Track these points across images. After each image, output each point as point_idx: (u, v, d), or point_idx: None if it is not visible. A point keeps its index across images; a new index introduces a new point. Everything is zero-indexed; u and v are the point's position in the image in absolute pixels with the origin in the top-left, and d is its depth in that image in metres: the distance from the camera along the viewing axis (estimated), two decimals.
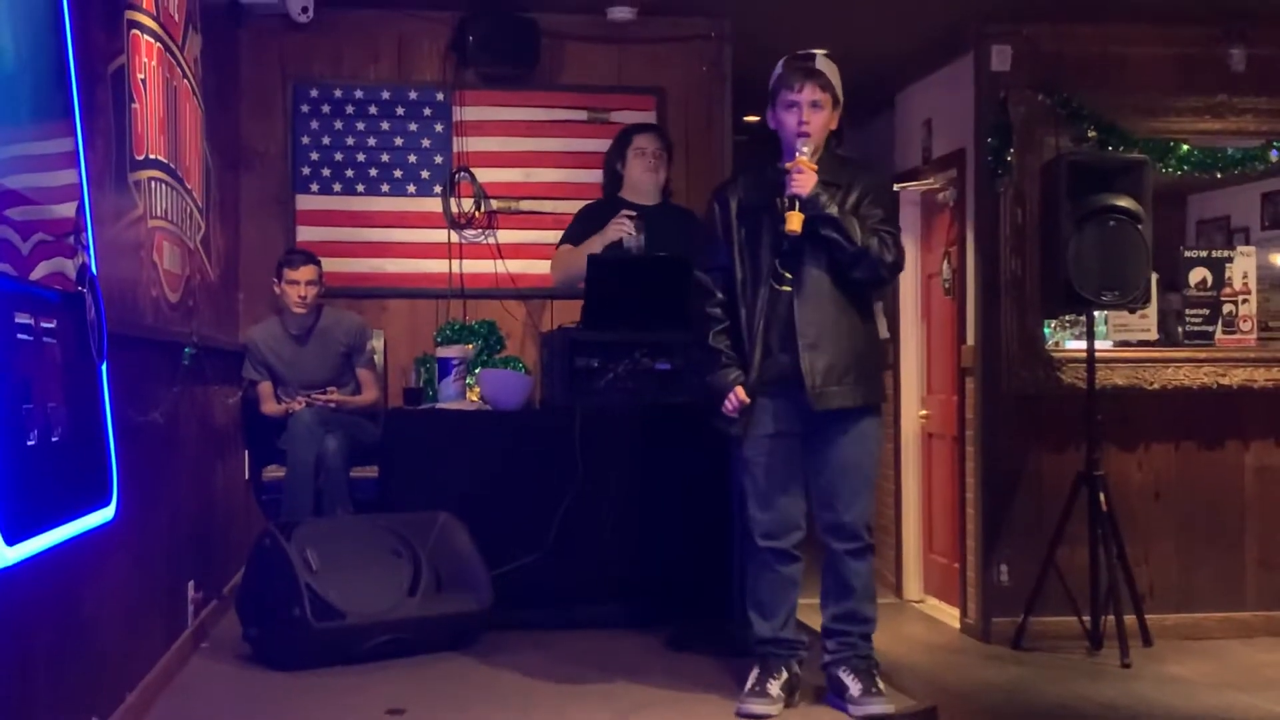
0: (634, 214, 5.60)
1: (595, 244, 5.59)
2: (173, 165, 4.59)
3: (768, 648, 4.30)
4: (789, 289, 4.19)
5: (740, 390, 4.20)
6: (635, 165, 5.72)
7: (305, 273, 5.98)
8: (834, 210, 4.16)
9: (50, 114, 3.01)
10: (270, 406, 6.01)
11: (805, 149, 4.19)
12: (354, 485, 5.76)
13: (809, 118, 4.23)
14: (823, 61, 4.30)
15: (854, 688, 4.22)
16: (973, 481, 6.66)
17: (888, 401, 7.88)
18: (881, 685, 4.27)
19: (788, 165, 4.20)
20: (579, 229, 5.79)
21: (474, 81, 6.67)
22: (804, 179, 4.14)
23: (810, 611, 4.61)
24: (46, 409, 2.80)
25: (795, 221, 4.12)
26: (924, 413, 7.69)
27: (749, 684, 4.24)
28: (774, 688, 4.22)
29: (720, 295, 4.31)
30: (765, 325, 4.19)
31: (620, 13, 6.55)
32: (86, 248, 3.21)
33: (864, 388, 4.26)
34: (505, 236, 6.66)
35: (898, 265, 4.30)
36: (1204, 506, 6.57)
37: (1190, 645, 6.26)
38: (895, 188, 7.77)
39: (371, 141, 6.62)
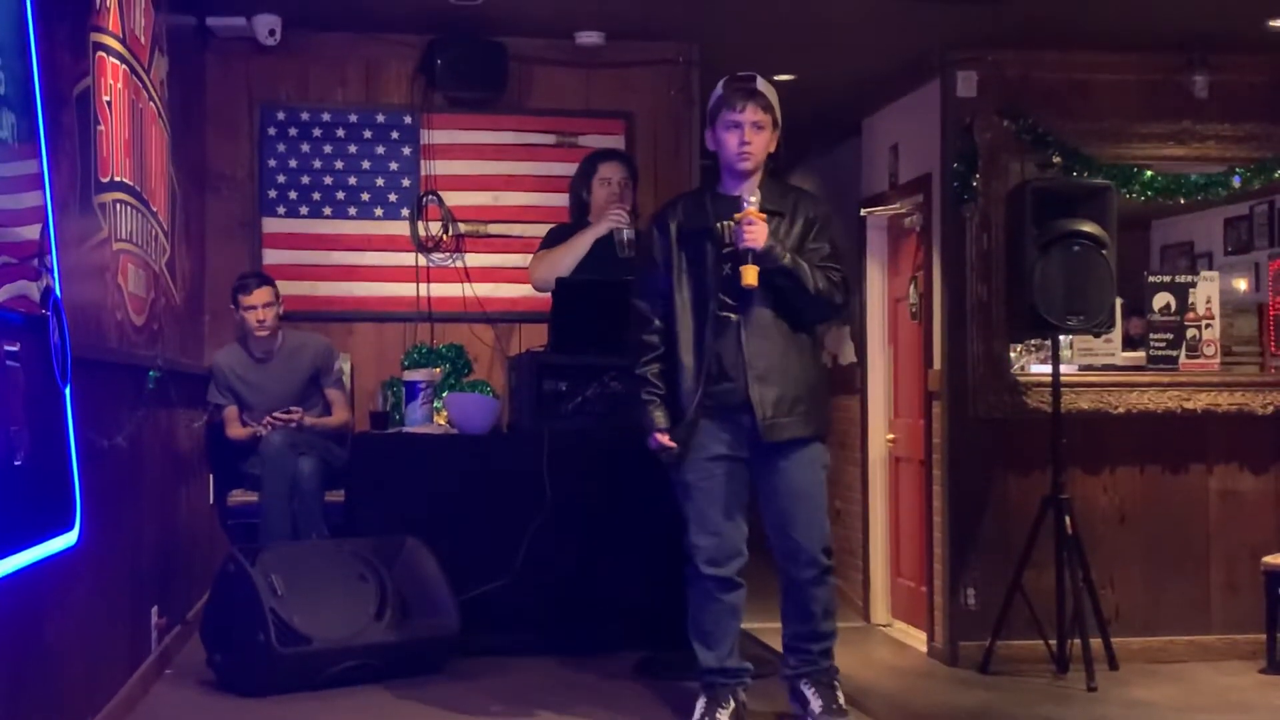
0: (624, 210, 5.54)
1: (587, 237, 5.51)
2: (138, 188, 4.57)
3: (714, 677, 4.28)
4: (735, 316, 4.19)
5: (661, 436, 4.24)
6: (600, 194, 5.62)
7: (260, 295, 5.94)
8: (787, 260, 4.16)
9: (14, 136, 2.99)
10: (236, 430, 5.97)
11: (752, 199, 4.17)
12: (327, 509, 5.73)
13: (751, 138, 4.23)
14: (763, 83, 4.31)
15: (815, 703, 4.24)
16: (940, 505, 6.68)
17: (855, 426, 7.98)
18: (843, 700, 4.28)
19: (736, 216, 4.16)
20: (551, 245, 5.72)
21: (442, 105, 6.67)
22: (756, 230, 4.12)
23: (771, 634, 4.61)
24: (9, 432, 2.78)
25: (751, 275, 4.11)
26: (891, 436, 7.70)
27: (698, 715, 4.24)
28: (723, 716, 4.22)
29: (657, 323, 4.30)
30: (710, 352, 4.19)
31: (589, 37, 6.57)
32: (51, 270, 3.19)
33: (814, 418, 4.27)
34: (473, 260, 6.65)
35: (845, 304, 4.37)
36: (1169, 530, 6.61)
37: (1156, 669, 6.28)
38: (862, 213, 7.82)
39: (339, 164, 6.60)
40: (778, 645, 4.78)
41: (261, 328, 5.93)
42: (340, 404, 6.13)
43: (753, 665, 4.43)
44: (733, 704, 4.26)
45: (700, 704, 4.27)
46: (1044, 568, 6.09)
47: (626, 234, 5.44)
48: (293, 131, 6.58)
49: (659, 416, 4.25)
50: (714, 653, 4.28)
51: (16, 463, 2.82)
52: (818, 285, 4.19)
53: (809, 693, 4.27)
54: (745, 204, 4.15)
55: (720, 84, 4.34)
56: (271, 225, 6.57)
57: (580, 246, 5.50)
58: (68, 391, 3.28)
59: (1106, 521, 6.55)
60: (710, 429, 4.23)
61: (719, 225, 4.22)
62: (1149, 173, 6.57)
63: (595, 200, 5.63)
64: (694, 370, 4.21)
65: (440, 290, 6.63)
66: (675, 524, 5.08)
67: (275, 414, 5.86)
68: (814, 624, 4.31)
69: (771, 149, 4.31)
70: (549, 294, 5.49)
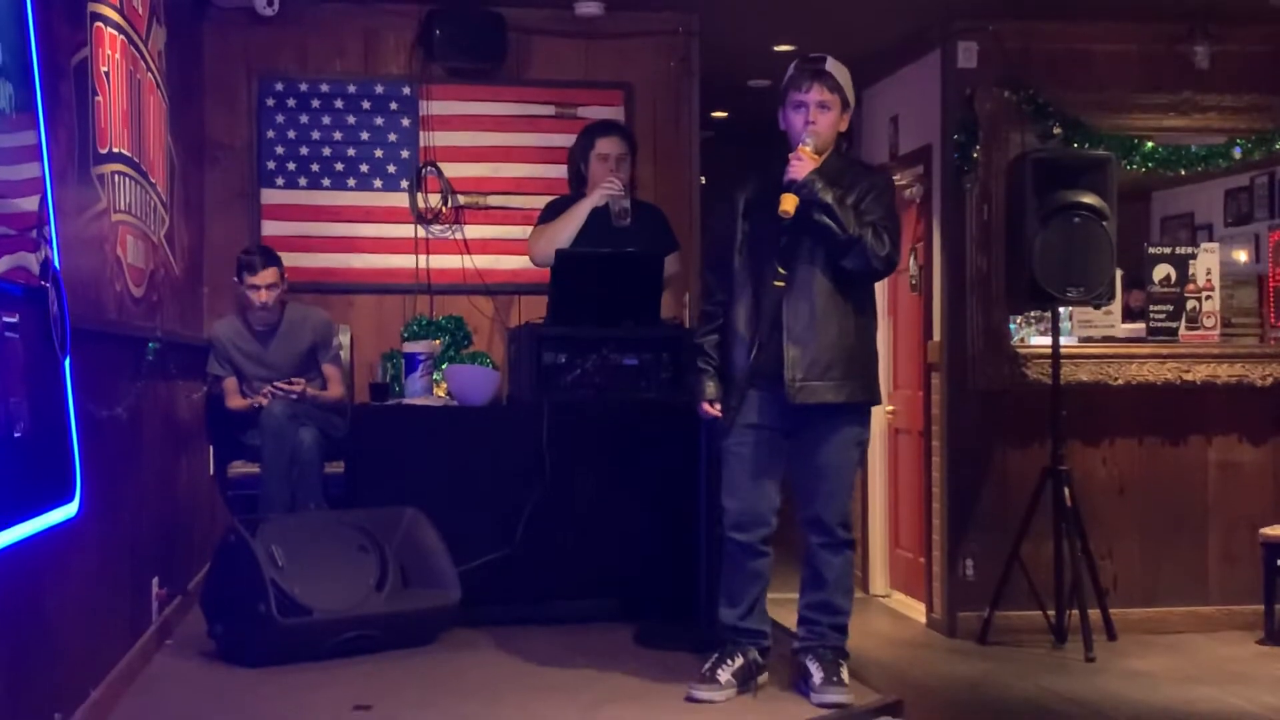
0: (618, 180, 5.54)
1: (583, 207, 5.49)
2: (137, 159, 4.56)
3: (729, 634, 4.38)
4: (782, 284, 4.24)
5: (707, 406, 4.38)
6: (597, 169, 5.58)
7: (266, 275, 5.89)
8: (828, 197, 4.21)
9: (12, 107, 2.98)
10: (236, 401, 5.97)
11: (809, 140, 4.28)
12: (326, 480, 5.74)
13: (815, 118, 4.31)
14: (833, 64, 4.37)
15: (816, 676, 4.29)
16: (939, 477, 6.69)
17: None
18: (845, 676, 4.33)
19: (790, 155, 4.27)
20: (550, 217, 5.72)
21: (441, 76, 6.65)
22: (801, 165, 4.23)
23: (776, 605, 4.64)
24: (8, 404, 2.78)
25: (789, 203, 4.19)
26: (890, 408, 7.71)
27: (705, 668, 4.32)
28: (724, 674, 4.29)
29: (720, 294, 4.41)
30: (760, 320, 4.26)
31: (588, 8, 6.55)
32: (49, 242, 3.18)
33: (850, 384, 4.30)
34: (472, 232, 6.64)
35: (891, 260, 4.34)
36: (1168, 501, 6.62)
37: (1154, 639, 6.30)
38: None
39: (337, 136, 6.59)
40: (783, 619, 4.82)
41: (263, 306, 5.92)
42: (336, 380, 6.11)
43: (769, 632, 4.50)
44: (740, 661, 4.33)
45: (712, 658, 4.35)
46: (1043, 539, 6.10)
47: (621, 204, 5.44)
48: (291, 102, 6.56)
49: (709, 387, 4.40)
50: (733, 610, 4.39)
51: (16, 434, 2.82)
52: (859, 232, 4.23)
53: (812, 666, 4.32)
54: (801, 145, 4.27)
55: (792, 64, 4.41)
56: (270, 196, 6.55)
57: (576, 219, 5.49)
58: (67, 363, 3.28)
59: (1105, 493, 6.56)
60: (755, 398, 4.32)
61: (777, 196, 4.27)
62: (1149, 144, 6.56)
63: (593, 175, 5.60)
64: (747, 340, 4.30)
65: (439, 262, 6.62)
66: (675, 495, 5.11)
67: (277, 384, 5.85)
68: (826, 592, 4.38)
69: (842, 128, 4.42)
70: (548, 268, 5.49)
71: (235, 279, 6.00)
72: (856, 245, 4.23)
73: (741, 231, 4.37)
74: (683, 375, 5.09)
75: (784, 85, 4.40)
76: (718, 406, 4.37)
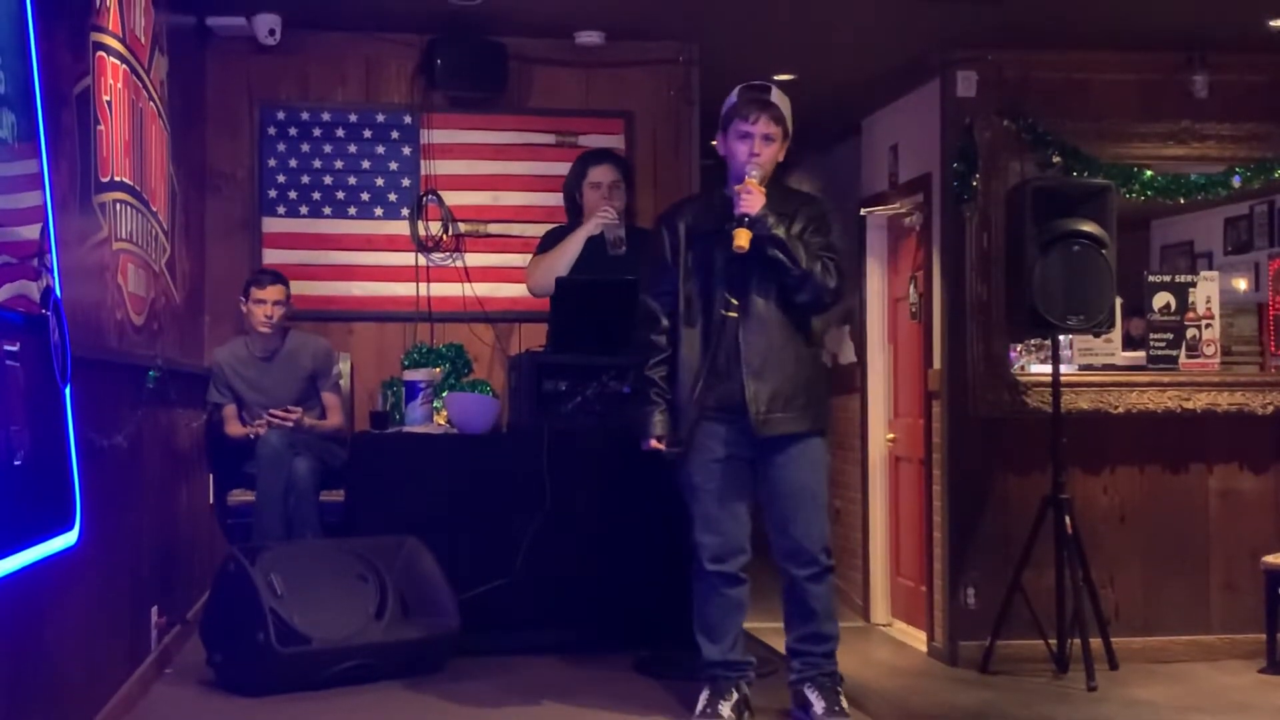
0: (612, 208, 5.54)
1: (579, 237, 5.50)
2: (138, 188, 4.57)
3: (716, 670, 4.35)
4: (735, 315, 4.24)
5: (655, 442, 4.33)
6: (591, 197, 5.62)
7: (273, 292, 5.95)
8: (780, 232, 4.22)
9: (14, 135, 2.99)
10: (234, 429, 5.97)
11: (755, 173, 4.27)
12: (322, 509, 5.73)
13: (760, 149, 4.30)
14: (777, 94, 4.37)
15: (818, 705, 4.27)
16: (939, 505, 6.68)
17: (855, 425, 7.98)
18: (845, 704, 4.31)
19: (737, 187, 4.26)
20: (547, 247, 5.74)
21: (442, 104, 6.67)
22: (752, 199, 4.21)
23: (774, 634, 4.62)
24: (9, 432, 2.78)
25: (743, 238, 4.17)
26: (891, 436, 7.71)
27: (700, 706, 4.29)
28: (725, 709, 4.26)
29: (665, 322, 4.37)
30: (712, 352, 4.24)
31: (588, 37, 6.58)
32: (50, 270, 3.19)
33: (810, 413, 4.32)
34: (473, 260, 6.65)
35: (840, 291, 4.36)
36: (1169, 530, 6.61)
37: (1156, 668, 6.29)
38: (862, 212, 7.82)
39: (339, 164, 6.60)
40: (778, 645, 4.80)
41: (267, 323, 5.92)
42: (335, 408, 6.11)
43: (756, 661, 4.48)
44: (735, 696, 4.31)
45: (704, 695, 4.31)
46: (1044, 567, 6.09)
47: (616, 233, 5.46)
48: (293, 131, 6.58)
49: (657, 422, 4.33)
50: (717, 646, 4.34)
51: (16, 462, 2.82)
52: (808, 264, 4.23)
53: (812, 695, 4.31)
54: (747, 177, 4.25)
55: (735, 91, 4.39)
56: (271, 225, 6.57)
57: (571, 249, 5.52)
58: (67, 391, 3.28)
59: (1106, 521, 6.55)
60: (713, 430, 4.29)
61: (725, 227, 4.26)
62: (1149, 172, 6.58)
63: (587, 203, 5.64)
64: (696, 370, 4.27)
65: (440, 290, 6.63)
66: (674, 523, 5.08)
67: (273, 412, 5.85)
68: (816, 624, 4.35)
69: (780, 159, 4.40)
70: (547, 297, 5.51)
71: (241, 297, 6.01)
72: (808, 280, 4.24)
73: (687, 260, 4.35)
74: (625, 405, 5.04)
75: (727, 112, 4.37)
76: (665, 442, 4.32)
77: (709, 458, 4.29)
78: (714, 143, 7.34)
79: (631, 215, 5.86)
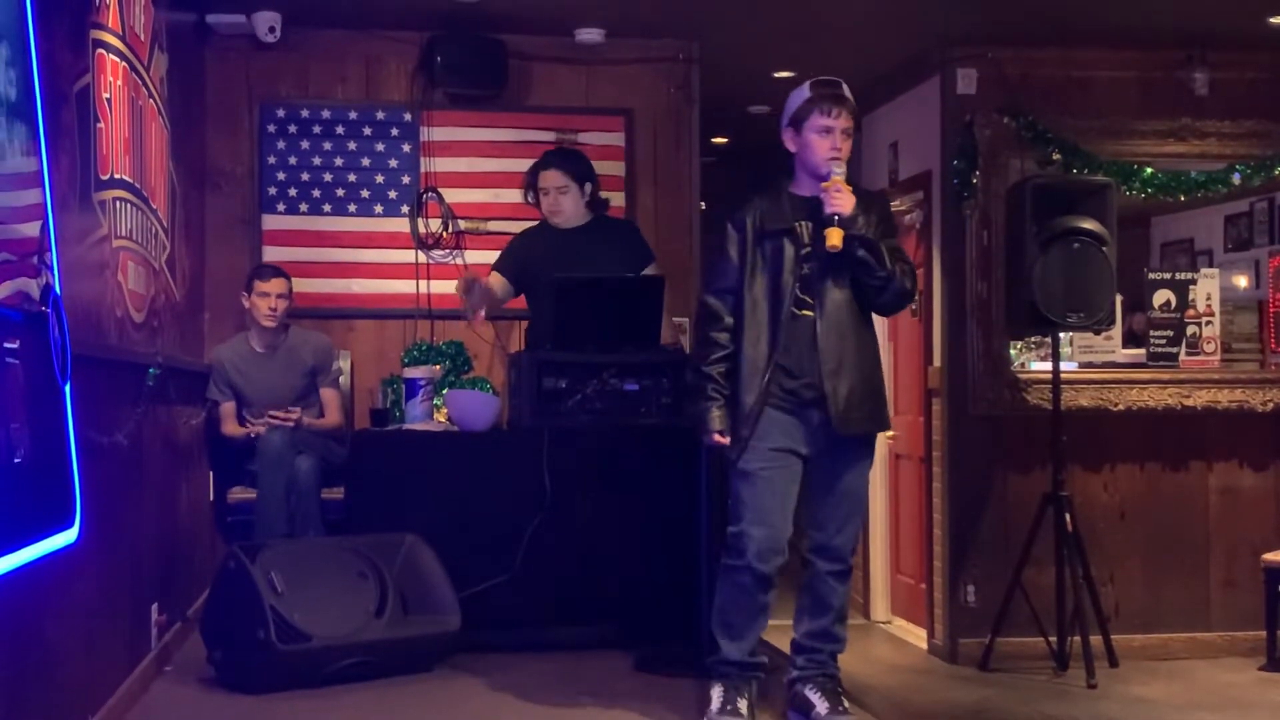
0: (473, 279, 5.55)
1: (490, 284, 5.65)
2: (138, 185, 4.57)
3: (733, 670, 4.31)
4: (811, 314, 4.23)
5: (718, 436, 4.27)
6: (542, 203, 5.68)
7: (276, 285, 5.96)
8: (869, 233, 4.22)
9: (13, 133, 2.99)
10: (231, 428, 5.97)
11: (839, 170, 4.23)
12: (323, 507, 5.73)
13: (842, 144, 4.27)
14: (847, 90, 4.35)
15: (820, 705, 4.25)
16: (940, 502, 6.68)
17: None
18: (847, 704, 4.31)
19: (824, 185, 4.22)
20: (504, 256, 5.82)
21: (442, 102, 6.66)
22: (843, 198, 4.18)
23: (771, 632, 4.62)
24: (9, 429, 2.77)
25: (836, 237, 4.15)
26: (891, 433, 7.70)
27: (718, 703, 4.24)
28: (743, 705, 4.23)
29: (728, 319, 4.31)
30: (782, 349, 4.21)
31: (589, 35, 6.58)
32: (50, 268, 3.18)
33: (880, 415, 4.36)
34: (473, 257, 6.65)
35: (912, 295, 4.39)
36: (1169, 527, 6.61)
37: (1156, 666, 6.29)
38: None
39: (338, 161, 6.60)
40: (776, 644, 4.80)
41: (271, 316, 5.93)
42: (334, 405, 6.11)
43: (768, 661, 4.48)
44: (749, 693, 4.29)
45: (718, 692, 4.27)
46: (1044, 565, 6.09)
47: (471, 304, 5.51)
48: (292, 128, 6.58)
49: (716, 417, 4.28)
50: (737, 645, 4.31)
51: (16, 460, 2.81)
52: (891, 266, 4.23)
53: (813, 696, 4.29)
54: (832, 174, 4.21)
55: (806, 85, 4.34)
56: (271, 222, 6.57)
57: (493, 295, 5.63)
58: (68, 389, 3.28)
59: (1106, 518, 6.56)
60: (777, 420, 4.25)
61: (797, 225, 4.25)
62: (1149, 170, 6.58)
63: (541, 208, 5.70)
64: (762, 366, 4.22)
65: (440, 287, 6.62)
66: (675, 521, 5.09)
67: (273, 413, 5.85)
68: (829, 621, 4.36)
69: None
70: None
71: (244, 291, 6.01)
72: (891, 283, 4.24)
73: (755, 258, 4.31)
74: (683, 400, 5.07)
75: (800, 106, 4.30)
76: (728, 436, 4.28)
77: (770, 445, 4.24)
78: (714, 140, 7.38)
79: (604, 206, 5.85)
